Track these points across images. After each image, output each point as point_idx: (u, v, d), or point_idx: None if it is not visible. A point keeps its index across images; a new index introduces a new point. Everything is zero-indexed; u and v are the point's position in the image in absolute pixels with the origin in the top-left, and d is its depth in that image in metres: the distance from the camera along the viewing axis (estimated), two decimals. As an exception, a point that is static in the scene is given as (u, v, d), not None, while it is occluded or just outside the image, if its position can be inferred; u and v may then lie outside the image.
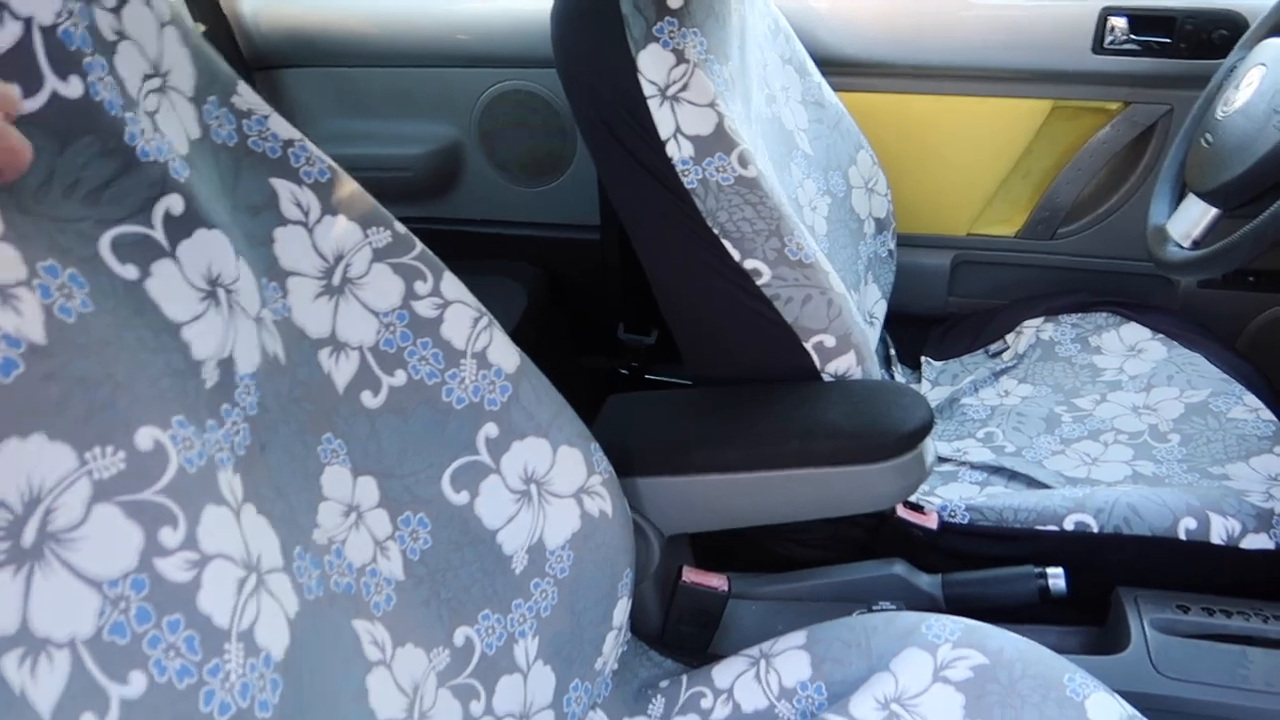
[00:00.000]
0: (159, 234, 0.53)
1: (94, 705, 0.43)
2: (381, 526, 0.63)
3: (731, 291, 0.88)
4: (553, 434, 0.72)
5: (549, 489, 0.72)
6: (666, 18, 0.84)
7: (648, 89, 0.84)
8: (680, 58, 0.84)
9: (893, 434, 0.80)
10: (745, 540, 0.97)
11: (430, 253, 0.70)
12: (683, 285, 0.91)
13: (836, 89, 1.20)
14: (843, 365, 0.90)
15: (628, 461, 0.79)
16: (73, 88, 0.50)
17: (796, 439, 0.80)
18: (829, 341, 0.89)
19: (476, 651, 0.66)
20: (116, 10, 0.53)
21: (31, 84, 0.48)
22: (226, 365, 0.55)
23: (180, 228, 0.54)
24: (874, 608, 0.85)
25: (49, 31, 0.49)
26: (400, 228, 0.68)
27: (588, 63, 0.87)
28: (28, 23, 0.48)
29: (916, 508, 0.96)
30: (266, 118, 0.62)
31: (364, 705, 0.57)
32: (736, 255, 0.86)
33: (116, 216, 0.51)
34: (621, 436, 0.82)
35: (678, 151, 0.84)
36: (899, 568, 0.89)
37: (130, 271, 0.51)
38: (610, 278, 1.39)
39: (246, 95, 0.62)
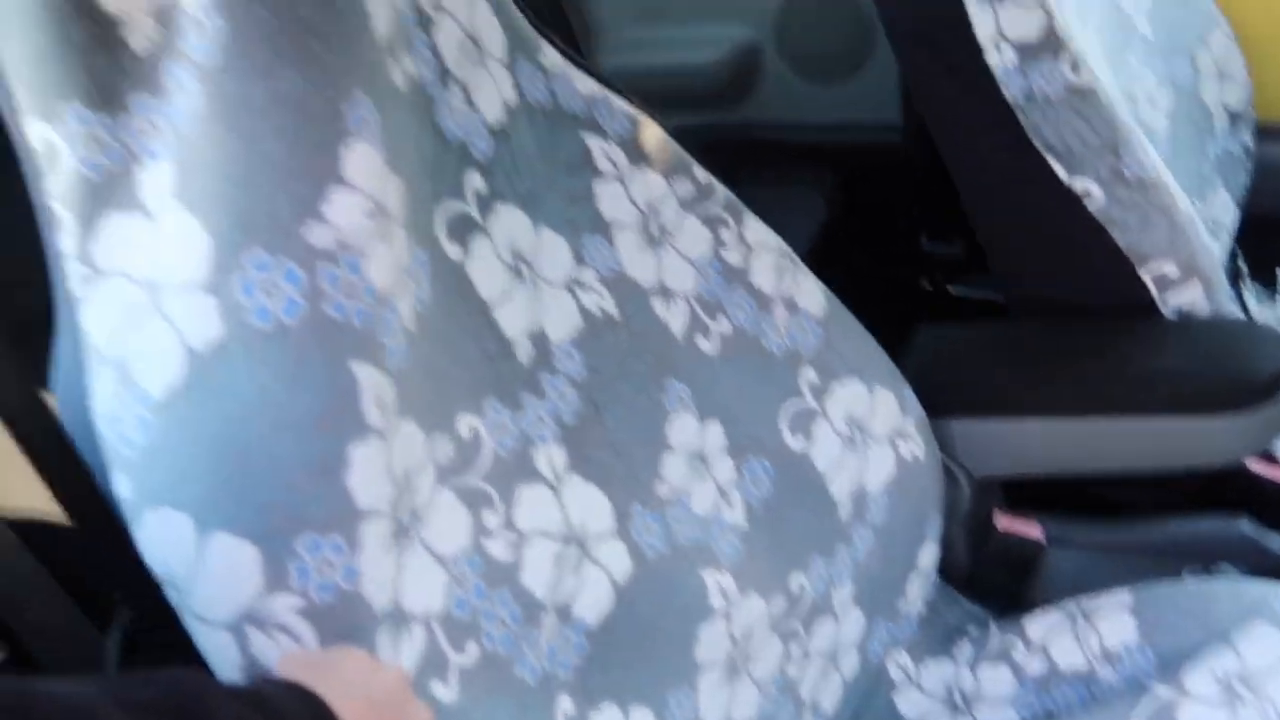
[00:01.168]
0: (474, 210, 0.56)
1: (440, 674, 0.47)
2: (725, 473, 0.65)
3: (1056, 214, 0.80)
4: (866, 376, 0.71)
5: (869, 433, 0.70)
6: (991, -89, 0.75)
7: None
8: (1004, -49, 0.75)
9: (1245, 381, 0.71)
10: (1062, 480, 0.90)
11: (731, 197, 0.69)
12: (999, 204, 0.84)
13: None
14: (1187, 297, 0.80)
15: (939, 401, 0.76)
16: (409, 65, 0.53)
17: (1131, 384, 0.73)
18: (1170, 270, 0.79)
19: (806, 597, 0.66)
20: None
21: (400, 62, 0.51)
22: (539, 338, 0.57)
23: (486, 205, 0.57)
24: (1211, 568, 0.77)
25: (398, 12, 0.52)
26: (701, 174, 0.68)
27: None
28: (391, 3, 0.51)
29: (1270, 456, 0.85)
30: (570, 77, 0.63)
31: (687, 654, 0.59)
32: (1064, 174, 0.78)
33: (443, 192, 0.54)
34: (932, 373, 0.78)
35: (999, 58, 0.77)
36: (1245, 525, 0.80)
37: (456, 252, 0.54)
38: (913, 182, 1.31)
39: (550, 54, 0.63)
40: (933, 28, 0.78)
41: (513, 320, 0.56)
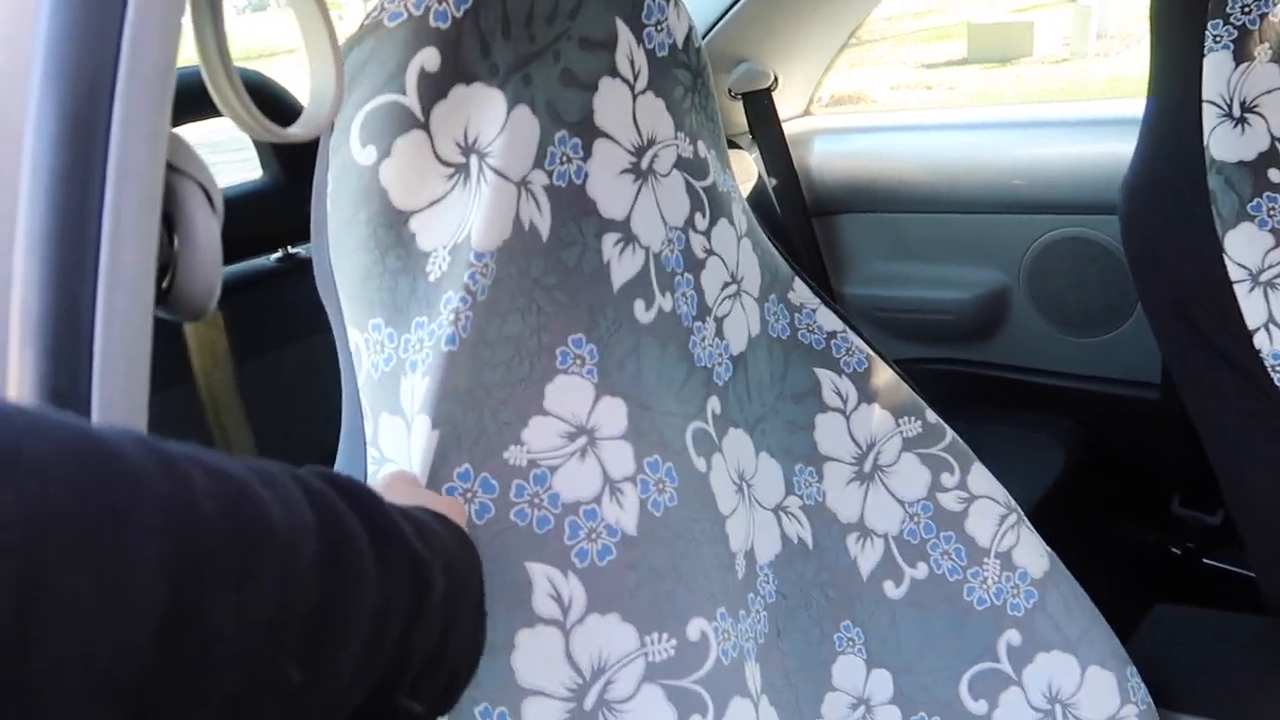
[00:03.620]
0: (712, 430, 0.60)
1: None
2: None
3: (1325, 511, 0.74)
4: (1082, 651, 0.67)
5: (1075, 712, 0.66)
6: (1266, 193, 0.75)
7: (1236, 273, 0.75)
8: None
9: None
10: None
11: (961, 444, 0.69)
12: (1258, 489, 0.79)
13: None
14: None
15: (1171, 693, 0.70)
16: (667, 302, 0.59)
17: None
18: None
19: None
20: (706, 232, 0.62)
21: (649, 300, 0.58)
22: (750, 557, 0.60)
23: (721, 426, 0.61)
24: None
25: (657, 257, 0.59)
26: (932, 417, 0.69)
27: (1164, 239, 0.80)
28: (647, 250, 0.58)
29: None
30: (815, 311, 0.68)
31: None
32: (1335, 469, 0.73)
33: (691, 413, 0.59)
34: (1167, 661, 0.73)
35: (1269, 344, 0.74)
36: None
37: (701, 464, 0.59)
38: (1169, 443, 1.24)
39: (800, 290, 0.68)
40: (1197, 308, 0.77)
41: (736, 536, 0.59)
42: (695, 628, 0.54)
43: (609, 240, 0.57)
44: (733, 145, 1.48)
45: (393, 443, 0.52)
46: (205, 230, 0.37)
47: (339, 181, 0.53)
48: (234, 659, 0.28)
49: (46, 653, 0.23)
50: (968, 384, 1.43)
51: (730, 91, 1.42)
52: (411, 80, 0.50)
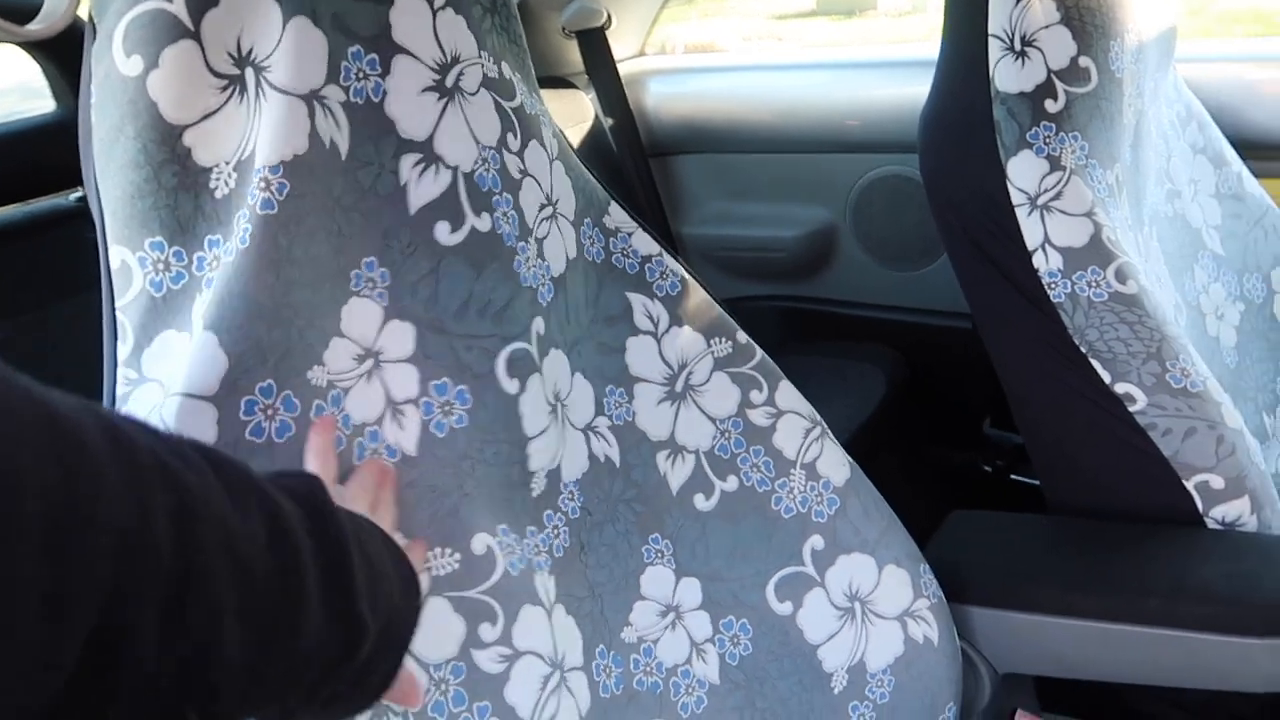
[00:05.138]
0: (534, 350, 0.61)
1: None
2: (701, 629, 0.66)
3: (1098, 417, 0.80)
4: (879, 552, 0.71)
5: (873, 608, 0.70)
6: (1043, 123, 0.80)
7: (1017, 197, 0.80)
8: (1055, 164, 0.79)
9: (1286, 606, 0.68)
10: (1101, 686, 0.87)
11: (770, 362, 0.72)
12: (1042, 404, 0.85)
13: (1263, 175, 1.06)
14: (1233, 511, 0.78)
15: (962, 587, 0.76)
16: (484, 222, 0.59)
17: (1160, 594, 0.71)
18: (1215, 482, 0.78)
19: None
20: (520, 153, 0.62)
21: (457, 221, 0.58)
22: (554, 475, 0.61)
23: (544, 347, 0.62)
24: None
25: (469, 177, 0.59)
26: (742, 337, 0.71)
27: (954, 167, 0.85)
28: (454, 170, 0.58)
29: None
30: (630, 235, 0.69)
31: None
32: (1107, 378, 0.79)
33: (513, 333, 0.60)
34: (958, 558, 0.78)
35: (1045, 263, 0.79)
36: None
37: (513, 386, 0.59)
38: (981, 367, 1.33)
39: (615, 215, 0.69)
40: (983, 231, 0.82)
41: (541, 456, 0.60)
42: (480, 542, 0.55)
43: (407, 162, 0.56)
44: (568, 85, 1.47)
45: (171, 360, 0.51)
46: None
47: (103, 92, 0.50)
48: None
49: None
50: (801, 319, 1.48)
51: (564, 30, 1.41)
52: None
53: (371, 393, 0.54)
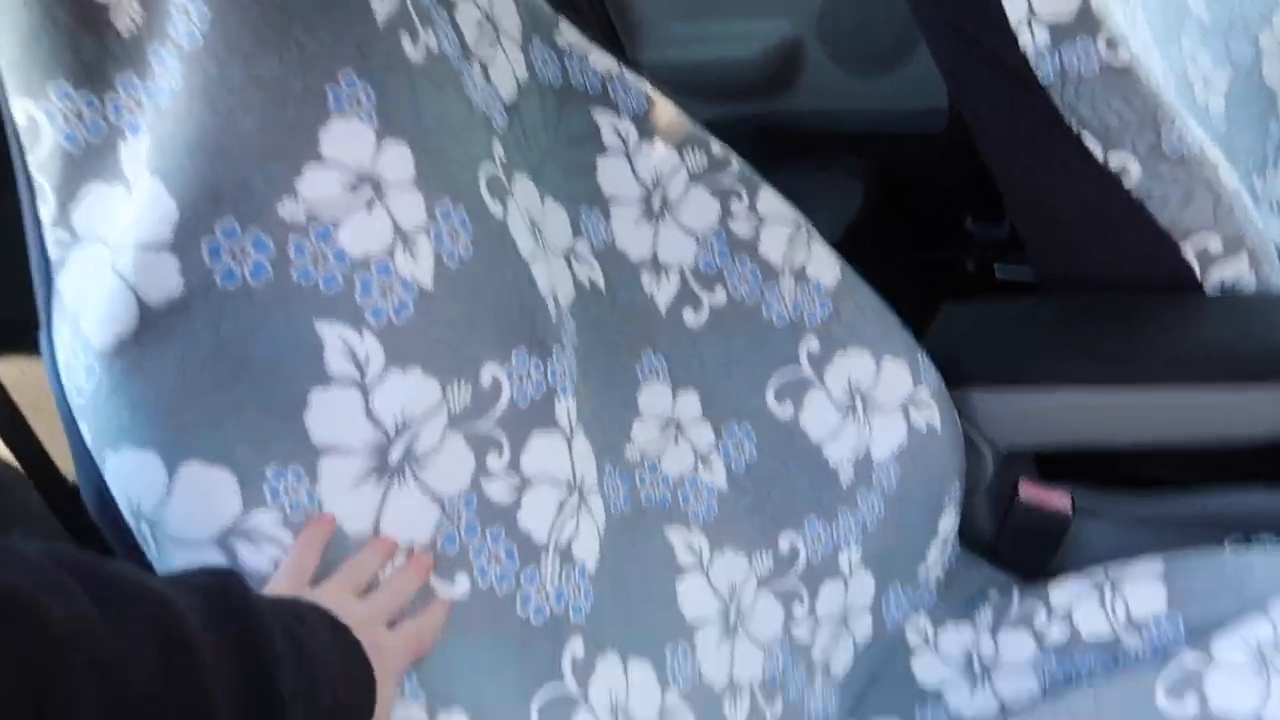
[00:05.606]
0: (501, 173, 0.59)
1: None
2: (704, 438, 0.66)
3: (1093, 193, 0.80)
4: (877, 345, 0.71)
5: (874, 402, 0.71)
6: (1021, -115, 0.76)
7: None
8: (1035, -70, 0.76)
9: (1288, 353, 0.70)
10: (1100, 456, 0.90)
11: (748, 168, 0.70)
12: (1033, 185, 0.84)
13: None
14: (1231, 272, 0.79)
15: (961, 372, 0.76)
16: (431, 39, 0.56)
17: (1166, 354, 0.73)
18: (1214, 244, 0.78)
19: (801, 557, 0.68)
20: None
21: (414, 37, 0.55)
22: (555, 300, 0.60)
23: (508, 172, 0.59)
24: (1252, 540, 0.77)
25: None
26: (717, 148, 0.69)
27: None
28: None
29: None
30: (586, 55, 0.66)
31: (673, 609, 0.61)
32: (1100, 151, 0.78)
33: (479, 155, 0.57)
34: (955, 346, 0.79)
35: (1030, 39, 0.77)
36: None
37: (499, 210, 0.57)
38: (958, 165, 1.31)
39: (567, 33, 0.65)
40: (962, 13, 0.79)
41: (542, 279, 0.59)
42: (488, 372, 0.54)
43: None
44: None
45: (103, 215, 0.48)
46: None
47: None
48: None
49: None
50: (772, 136, 1.45)
51: None
52: None
53: (375, 223, 0.51)
